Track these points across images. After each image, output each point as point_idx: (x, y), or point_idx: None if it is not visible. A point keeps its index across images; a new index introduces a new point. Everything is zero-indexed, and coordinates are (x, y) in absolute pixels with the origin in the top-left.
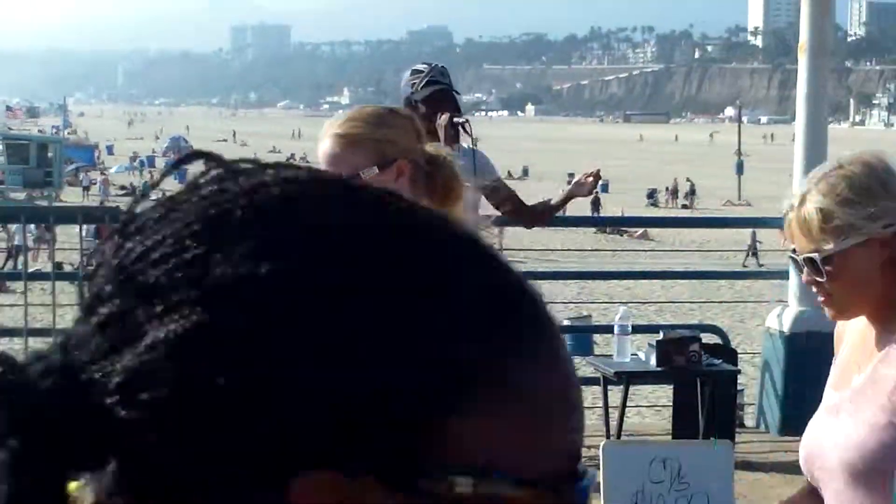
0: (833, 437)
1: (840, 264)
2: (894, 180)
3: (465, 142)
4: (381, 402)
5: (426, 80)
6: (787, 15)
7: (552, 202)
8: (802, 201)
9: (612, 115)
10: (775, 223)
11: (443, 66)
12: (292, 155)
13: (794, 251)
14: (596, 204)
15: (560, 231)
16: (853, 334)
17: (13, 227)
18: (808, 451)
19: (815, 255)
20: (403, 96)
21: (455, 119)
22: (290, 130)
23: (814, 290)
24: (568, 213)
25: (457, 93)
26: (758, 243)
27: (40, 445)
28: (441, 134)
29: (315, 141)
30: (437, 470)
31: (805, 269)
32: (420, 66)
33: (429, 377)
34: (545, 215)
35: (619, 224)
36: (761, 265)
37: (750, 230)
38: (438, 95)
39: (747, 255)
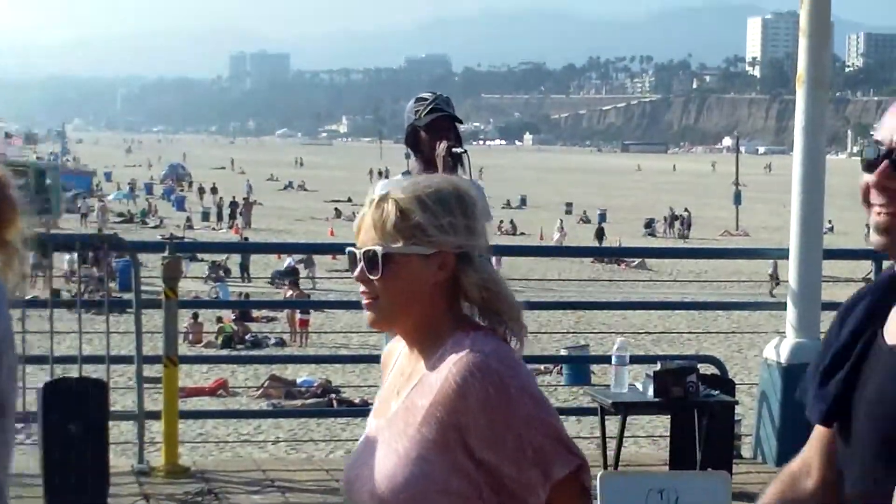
0: (367, 467)
1: (399, 267)
2: (474, 209)
3: (464, 172)
4: None
5: (430, 107)
6: (785, 45)
7: None
8: (384, 198)
9: (610, 145)
10: (773, 253)
11: (447, 97)
12: (290, 183)
13: (354, 245)
14: (600, 234)
15: (558, 261)
16: (400, 358)
17: None
18: (346, 479)
19: (378, 249)
20: (407, 123)
21: (454, 149)
22: (287, 158)
23: (361, 289)
24: (566, 244)
25: (460, 122)
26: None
27: None
28: (439, 163)
29: (315, 168)
30: None
31: (360, 265)
32: (425, 95)
33: None
34: None
35: (616, 254)
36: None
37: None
38: (441, 123)
39: (773, 285)
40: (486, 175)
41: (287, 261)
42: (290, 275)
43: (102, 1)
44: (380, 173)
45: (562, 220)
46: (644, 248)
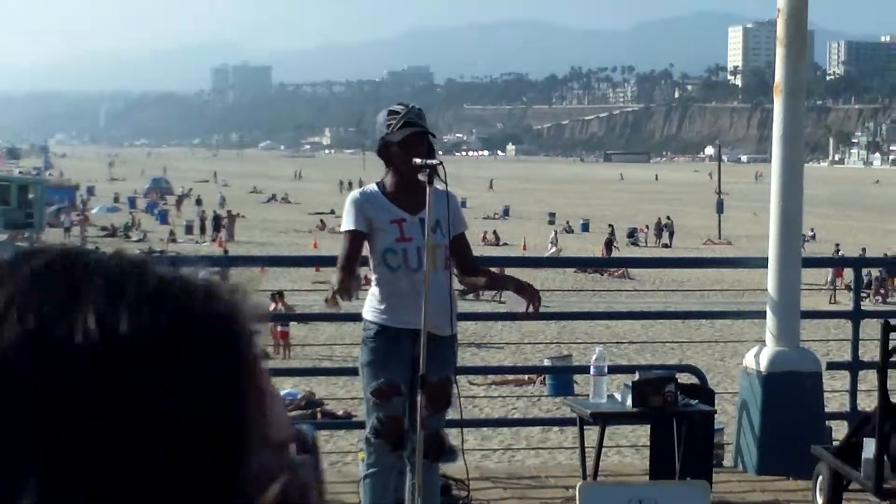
0: None
1: None
2: None
3: (441, 183)
4: None
5: (402, 121)
6: (767, 54)
7: (489, 277)
8: None
9: (593, 155)
10: (755, 262)
11: (419, 108)
12: (273, 195)
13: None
14: (609, 245)
15: (541, 270)
16: None
17: None
18: None
19: None
20: (379, 136)
21: (428, 162)
22: (272, 171)
23: None
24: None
25: (433, 135)
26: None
27: None
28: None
29: (298, 180)
30: None
31: None
32: (396, 107)
33: None
34: (477, 282)
35: (598, 265)
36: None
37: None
38: (413, 138)
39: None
40: (469, 186)
41: (202, 273)
42: None
43: (85, 18)
44: (349, 185)
45: (556, 233)
46: (626, 259)
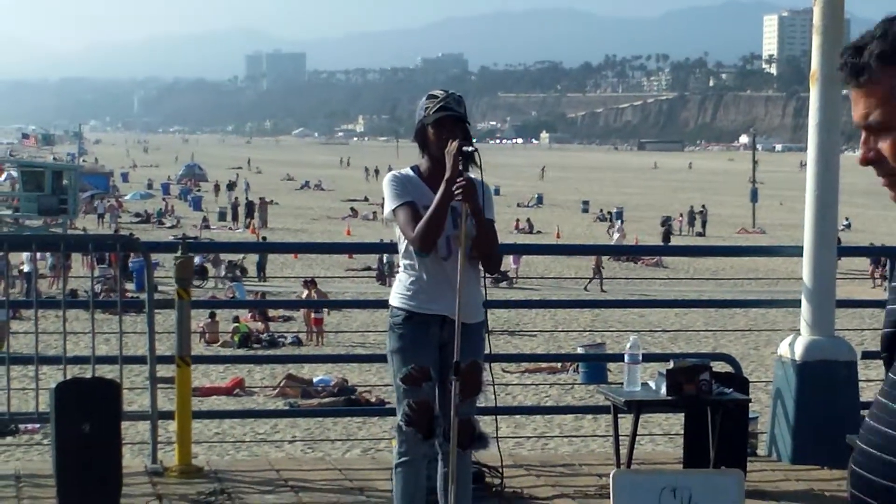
0: None
1: None
2: None
3: (474, 171)
4: None
5: (439, 105)
6: (802, 43)
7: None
8: None
9: (627, 143)
10: (789, 251)
11: (459, 95)
12: (306, 182)
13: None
14: (667, 236)
15: (573, 259)
16: None
17: (24, 254)
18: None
19: None
20: (417, 119)
21: (465, 147)
22: (306, 158)
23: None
24: (584, 242)
25: (468, 123)
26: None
27: None
28: (448, 161)
29: (332, 168)
30: None
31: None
32: (437, 92)
33: None
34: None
35: (633, 252)
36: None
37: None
38: (448, 122)
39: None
40: (503, 173)
41: (195, 259)
42: (199, 273)
43: (118, 5)
44: (376, 172)
45: (622, 222)
46: (660, 246)
